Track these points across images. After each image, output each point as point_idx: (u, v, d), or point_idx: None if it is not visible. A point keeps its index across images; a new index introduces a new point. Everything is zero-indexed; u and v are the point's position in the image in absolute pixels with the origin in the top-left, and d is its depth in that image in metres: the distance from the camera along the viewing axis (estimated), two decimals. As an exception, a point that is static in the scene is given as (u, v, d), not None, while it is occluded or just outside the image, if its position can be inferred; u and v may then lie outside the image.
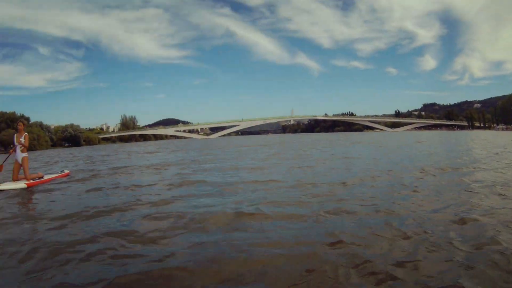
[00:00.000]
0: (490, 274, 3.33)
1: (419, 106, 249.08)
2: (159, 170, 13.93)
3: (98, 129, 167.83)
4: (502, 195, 6.59)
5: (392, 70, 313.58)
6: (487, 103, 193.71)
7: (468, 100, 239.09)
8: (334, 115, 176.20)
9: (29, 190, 8.74)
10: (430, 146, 24.28)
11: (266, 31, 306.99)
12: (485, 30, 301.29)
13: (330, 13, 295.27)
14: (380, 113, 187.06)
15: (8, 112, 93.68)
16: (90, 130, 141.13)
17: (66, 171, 11.83)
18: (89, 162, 20.39)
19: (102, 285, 3.35)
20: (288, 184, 8.81)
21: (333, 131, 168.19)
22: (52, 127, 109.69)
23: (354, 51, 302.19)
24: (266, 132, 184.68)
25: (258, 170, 12.52)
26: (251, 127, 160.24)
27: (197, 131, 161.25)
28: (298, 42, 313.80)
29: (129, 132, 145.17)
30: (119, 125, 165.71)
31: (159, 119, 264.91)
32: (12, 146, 10.30)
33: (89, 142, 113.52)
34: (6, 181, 9.72)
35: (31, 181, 9.42)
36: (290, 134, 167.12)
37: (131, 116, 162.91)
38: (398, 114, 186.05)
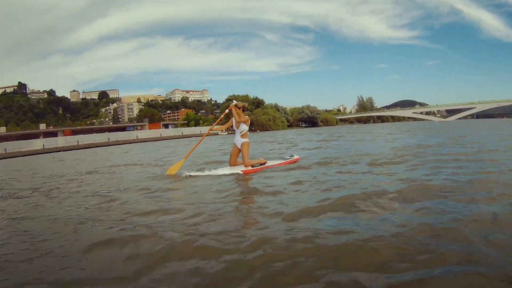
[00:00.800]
0: None
1: None
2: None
3: (335, 110, 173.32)
4: None
5: None
6: None
7: None
8: None
9: (242, 176, 7.91)
10: None
11: (488, 6, 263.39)
12: None
13: None
14: None
15: (241, 95, 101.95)
16: (327, 111, 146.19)
17: (296, 156, 10.18)
18: (328, 146, 16.79)
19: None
20: None
21: None
22: (288, 108, 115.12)
23: None
24: (501, 115, 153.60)
25: None
26: (486, 110, 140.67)
27: (433, 113, 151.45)
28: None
29: (366, 113, 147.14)
30: (356, 107, 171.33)
31: (395, 101, 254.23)
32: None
33: (327, 123, 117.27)
34: (222, 166, 9.26)
35: (250, 168, 8.69)
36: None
37: (368, 97, 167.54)
38: None
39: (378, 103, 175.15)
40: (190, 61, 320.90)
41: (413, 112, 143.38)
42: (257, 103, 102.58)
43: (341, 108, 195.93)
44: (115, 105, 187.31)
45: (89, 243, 3.60)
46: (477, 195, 4.70)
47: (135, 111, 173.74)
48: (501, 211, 3.85)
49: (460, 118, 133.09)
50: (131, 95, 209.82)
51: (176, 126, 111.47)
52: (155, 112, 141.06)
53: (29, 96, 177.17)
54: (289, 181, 6.73)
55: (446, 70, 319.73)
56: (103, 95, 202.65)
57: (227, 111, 9.40)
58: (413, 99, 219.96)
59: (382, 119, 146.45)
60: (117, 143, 64.76)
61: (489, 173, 6.42)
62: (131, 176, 9.62)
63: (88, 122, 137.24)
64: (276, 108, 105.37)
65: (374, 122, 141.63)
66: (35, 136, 79.97)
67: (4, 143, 61.07)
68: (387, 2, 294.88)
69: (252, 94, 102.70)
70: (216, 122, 10.54)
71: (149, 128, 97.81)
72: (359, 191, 5.27)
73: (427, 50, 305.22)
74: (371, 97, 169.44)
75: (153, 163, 13.14)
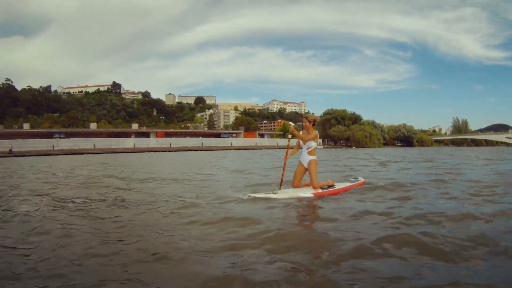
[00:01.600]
0: None
1: None
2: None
3: (431, 130, 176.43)
4: None
5: None
6: None
7: None
8: None
9: (315, 201, 6.76)
10: None
11: None
12: None
13: None
14: None
15: (338, 109, 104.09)
16: (423, 131, 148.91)
17: (361, 179, 9.34)
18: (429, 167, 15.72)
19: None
20: None
21: None
22: (385, 126, 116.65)
23: None
24: None
25: None
26: None
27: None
28: None
29: (461, 136, 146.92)
30: (451, 128, 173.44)
31: (488, 124, 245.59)
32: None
33: (422, 143, 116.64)
34: (285, 188, 7.99)
35: (319, 190, 7.54)
36: None
37: (464, 120, 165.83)
38: None
39: (472, 126, 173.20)
40: (288, 73, 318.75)
41: (506, 137, 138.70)
42: (354, 119, 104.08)
43: (436, 129, 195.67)
44: (211, 111, 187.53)
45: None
46: None
47: (231, 119, 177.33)
48: None
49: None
50: (228, 103, 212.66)
51: (271, 136, 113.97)
52: (251, 120, 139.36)
53: (123, 96, 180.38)
54: (382, 207, 5.92)
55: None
56: (200, 100, 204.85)
57: (290, 137, 8.31)
58: (507, 123, 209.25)
59: (476, 143, 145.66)
60: (210, 148, 69.87)
61: None
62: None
63: (183, 125, 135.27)
64: (373, 125, 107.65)
65: (468, 145, 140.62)
66: (127, 135, 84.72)
67: (94, 139, 69.15)
68: (481, 20, 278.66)
69: (349, 109, 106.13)
70: (287, 154, 8.27)
71: (244, 137, 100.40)
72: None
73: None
74: (466, 120, 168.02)
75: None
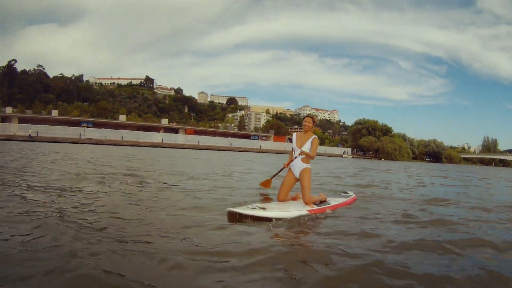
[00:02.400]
0: None
1: None
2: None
3: (460, 148, 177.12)
4: None
5: None
6: None
7: None
8: None
9: (314, 221, 5.61)
10: None
11: None
12: None
13: None
14: None
15: (370, 120, 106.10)
16: (452, 148, 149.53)
17: (352, 195, 8.22)
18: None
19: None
20: None
21: None
22: (415, 140, 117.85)
23: None
24: None
25: None
26: None
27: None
28: None
29: (490, 155, 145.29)
30: (480, 146, 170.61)
31: None
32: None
33: (450, 160, 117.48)
34: (270, 202, 6.74)
35: (313, 207, 6.26)
36: None
37: (493, 139, 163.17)
38: None
39: (501, 146, 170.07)
40: (322, 79, 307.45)
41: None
42: (385, 130, 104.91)
43: (466, 147, 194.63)
44: (242, 112, 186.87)
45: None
46: None
47: (262, 121, 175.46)
48: None
49: None
50: (260, 105, 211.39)
51: None
52: (282, 125, 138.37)
53: (156, 90, 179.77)
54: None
55: None
56: (232, 101, 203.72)
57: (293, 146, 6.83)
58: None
59: (503, 163, 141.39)
60: (239, 149, 69.64)
61: None
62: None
63: (213, 124, 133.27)
64: (403, 138, 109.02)
65: (495, 165, 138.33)
66: (155, 129, 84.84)
67: (122, 131, 69.35)
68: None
69: (381, 121, 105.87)
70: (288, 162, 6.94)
71: (274, 140, 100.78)
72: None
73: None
74: (496, 139, 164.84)
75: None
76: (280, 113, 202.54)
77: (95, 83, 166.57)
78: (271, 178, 7.85)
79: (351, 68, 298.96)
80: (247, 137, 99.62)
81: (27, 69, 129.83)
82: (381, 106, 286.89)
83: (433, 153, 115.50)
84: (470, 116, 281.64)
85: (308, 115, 6.75)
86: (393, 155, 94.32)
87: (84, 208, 5.33)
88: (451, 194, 10.93)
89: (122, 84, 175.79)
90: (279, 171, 7.60)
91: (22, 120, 68.10)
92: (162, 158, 23.07)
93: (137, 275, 3.01)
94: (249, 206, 5.73)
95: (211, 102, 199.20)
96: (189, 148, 59.61)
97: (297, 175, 6.59)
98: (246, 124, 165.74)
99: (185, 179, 10.30)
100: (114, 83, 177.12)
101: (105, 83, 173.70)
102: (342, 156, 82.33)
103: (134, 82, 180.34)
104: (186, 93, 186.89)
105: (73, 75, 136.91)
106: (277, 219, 5.44)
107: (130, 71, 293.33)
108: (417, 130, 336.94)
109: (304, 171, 6.50)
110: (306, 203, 6.34)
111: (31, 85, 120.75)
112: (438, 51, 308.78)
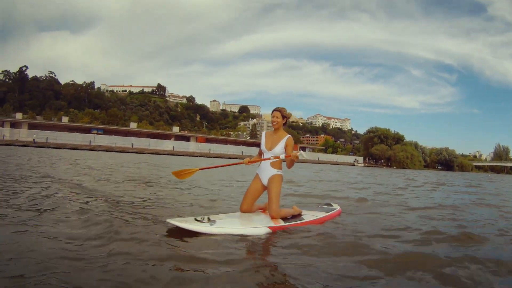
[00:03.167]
0: None
1: None
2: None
3: (471, 156, 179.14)
4: None
5: None
6: None
7: None
8: None
9: (273, 240, 4.49)
10: None
11: None
12: None
13: None
14: None
15: (382, 128, 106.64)
16: (463, 156, 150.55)
17: (337, 207, 6.90)
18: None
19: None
20: None
21: None
22: (427, 148, 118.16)
23: None
24: None
25: None
26: None
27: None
28: None
29: (501, 163, 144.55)
30: (491, 154, 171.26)
31: None
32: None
33: (462, 168, 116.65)
34: (232, 212, 5.71)
35: (279, 222, 5.10)
36: None
37: (505, 147, 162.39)
38: None
39: None
40: (334, 88, 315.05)
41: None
42: (397, 139, 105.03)
43: (477, 154, 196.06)
44: (255, 120, 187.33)
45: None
46: None
47: None
48: None
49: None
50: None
51: (313, 150, 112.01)
52: (294, 133, 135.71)
53: (167, 98, 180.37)
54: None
55: None
56: (244, 109, 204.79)
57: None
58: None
59: None
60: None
61: None
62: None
63: (224, 133, 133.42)
64: (415, 146, 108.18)
65: (507, 172, 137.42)
66: (166, 137, 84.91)
67: (133, 138, 69.93)
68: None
69: (393, 129, 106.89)
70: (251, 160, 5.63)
71: None
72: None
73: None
74: (507, 147, 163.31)
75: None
76: (292, 122, 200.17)
77: (107, 90, 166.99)
78: (199, 169, 6.03)
79: (363, 76, 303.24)
80: (259, 145, 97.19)
81: (38, 76, 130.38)
82: (393, 115, 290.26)
83: (444, 161, 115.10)
84: (481, 123, 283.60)
85: (276, 109, 5.58)
86: (405, 164, 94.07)
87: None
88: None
89: (134, 91, 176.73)
90: (228, 164, 6.16)
91: (31, 126, 68.49)
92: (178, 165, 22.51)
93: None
94: (198, 218, 4.76)
95: (223, 110, 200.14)
96: (200, 156, 59.29)
97: (265, 182, 5.47)
98: (258, 133, 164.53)
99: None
100: (125, 90, 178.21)
101: (116, 91, 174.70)
102: (353, 165, 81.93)
103: (145, 89, 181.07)
104: (199, 101, 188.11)
105: (84, 82, 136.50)
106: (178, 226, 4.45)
107: (141, 79, 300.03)
108: (428, 138, 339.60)
109: (274, 178, 5.36)
110: (273, 218, 5.17)
111: (42, 92, 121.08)
112: (449, 59, 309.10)
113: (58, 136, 59.31)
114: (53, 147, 47.14)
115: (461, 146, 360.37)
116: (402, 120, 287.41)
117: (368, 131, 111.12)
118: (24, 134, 58.08)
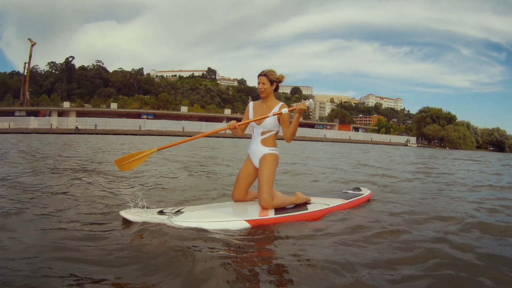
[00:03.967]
0: None
1: None
2: None
3: None
4: None
5: None
6: None
7: None
8: None
9: (246, 241, 3.35)
10: None
11: None
12: None
13: None
14: None
15: (434, 108, 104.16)
16: None
17: (367, 192, 5.60)
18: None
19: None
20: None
21: None
22: (479, 128, 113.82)
23: None
24: None
25: None
26: None
27: None
28: None
29: None
30: None
31: None
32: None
33: None
34: (221, 200, 5.01)
35: (268, 215, 3.98)
36: None
37: None
38: None
39: None
40: (385, 68, 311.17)
41: None
42: (449, 119, 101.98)
43: None
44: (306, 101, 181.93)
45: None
46: None
47: (327, 111, 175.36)
48: None
49: None
50: (324, 94, 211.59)
51: (366, 130, 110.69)
52: (346, 113, 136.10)
53: (218, 82, 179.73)
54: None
55: None
56: (296, 90, 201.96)
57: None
58: None
59: None
60: (303, 139, 66.15)
61: None
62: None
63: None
64: (467, 126, 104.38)
65: None
66: (218, 119, 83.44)
67: (184, 121, 69.65)
68: None
69: (444, 109, 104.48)
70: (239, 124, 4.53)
71: (339, 129, 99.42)
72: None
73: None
74: None
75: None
76: (344, 102, 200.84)
77: (156, 76, 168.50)
78: (158, 149, 4.33)
79: (413, 55, 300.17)
80: (312, 126, 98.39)
81: (85, 65, 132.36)
82: (443, 94, 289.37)
83: (496, 142, 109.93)
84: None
85: (261, 73, 4.47)
86: (458, 144, 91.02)
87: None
88: None
89: (184, 76, 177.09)
90: (206, 134, 4.73)
91: (80, 114, 69.48)
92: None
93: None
94: (169, 210, 3.87)
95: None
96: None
97: (256, 164, 4.40)
98: (311, 114, 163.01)
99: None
100: (175, 75, 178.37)
101: (166, 76, 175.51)
102: (406, 145, 79.07)
103: (196, 74, 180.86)
104: (250, 84, 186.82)
105: (133, 69, 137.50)
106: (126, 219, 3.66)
107: (192, 64, 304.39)
108: (480, 119, 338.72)
109: (265, 159, 4.28)
110: (264, 206, 4.11)
111: (90, 80, 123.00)
112: (497, 37, 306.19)
113: (108, 122, 59.92)
114: (102, 133, 47.57)
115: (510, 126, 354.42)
116: (454, 99, 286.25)
117: (420, 111, 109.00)
118: (72, 122, 58.78)
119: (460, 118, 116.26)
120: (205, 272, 2.53)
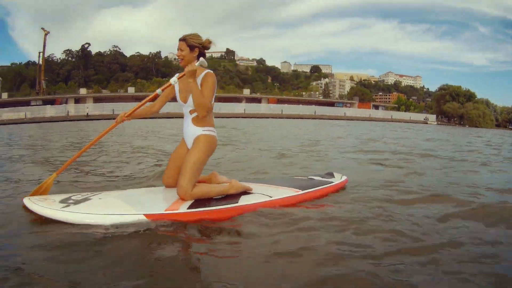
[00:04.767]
0: None
1: None
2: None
3: None
4: None
5: None
6: None
7: None
8: None
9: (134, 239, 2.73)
10: None
11: None
12: None
13: None
14: None
15: (453, 85, 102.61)
16: None
17: (342, 178, 4.76)
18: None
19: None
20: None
21: None
22: (498, 107, 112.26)
23: None
24: None
25: None
26: None
27: None
28: None
29: None
30: None
31: None
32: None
33: None
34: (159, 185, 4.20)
35: (179, 208, 3.26)
36: None
37: None
38: None
39: None
40: (404, 46, 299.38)
41: None
42: (469, 96, 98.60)
43: None
44: (326, 80, 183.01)
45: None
46: None
47: (346, 89, 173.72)
48: None
49: None
50: (344, 72, 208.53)
51: (386, 108, 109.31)
52: (366, 91, 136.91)
53: (237, 62, 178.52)
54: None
55: None
56: (315, 69, 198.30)
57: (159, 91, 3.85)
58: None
59: None
60: (322, 117, 66.92)
61: None
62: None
63: (297, 93, 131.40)
64: (487, 104, 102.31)
65: None
66: (237, 100, 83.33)
67: None
68: None
69: (463, 87, 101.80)
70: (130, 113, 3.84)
71: (359, 107, 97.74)
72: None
73: None
74: None
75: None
76: (364, 80, 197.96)
77: (174, 59, 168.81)
78: (56, 173, 3.81)
79: (431, 33, 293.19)
80: (331, 104, 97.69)
81: (102, 51, 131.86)
82: (461, 72, 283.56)
83: None
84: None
85: (180, 38, 3.77)
86: (477, 122, 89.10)
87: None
88: None
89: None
90: (98, 138, 3.93)
91: (97, 100, 69.70)
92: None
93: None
94: (79, 196, 3.42)
95: (294, 71, 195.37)
96: (272, 118, 58.26)
97: (189, 143, 3.80)
98: (330, 92, 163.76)
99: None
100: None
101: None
102: (426, 123, 78.01)
103: (214, 55, 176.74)
104: (269, 63, 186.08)
105: (150, 52, 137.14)
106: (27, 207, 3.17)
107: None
108: (498, 97, 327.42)
109: (197, 141, 3.66)
110: (181, 197, 3.41)
111: (107, 66, 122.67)
112: None
113: (125, 106, 58.46)
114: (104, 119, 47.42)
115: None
116: (472, 77, 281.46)
117: (440, 89, 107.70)
118: (90, 108, 58.44)
119: (479, 96, 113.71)
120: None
